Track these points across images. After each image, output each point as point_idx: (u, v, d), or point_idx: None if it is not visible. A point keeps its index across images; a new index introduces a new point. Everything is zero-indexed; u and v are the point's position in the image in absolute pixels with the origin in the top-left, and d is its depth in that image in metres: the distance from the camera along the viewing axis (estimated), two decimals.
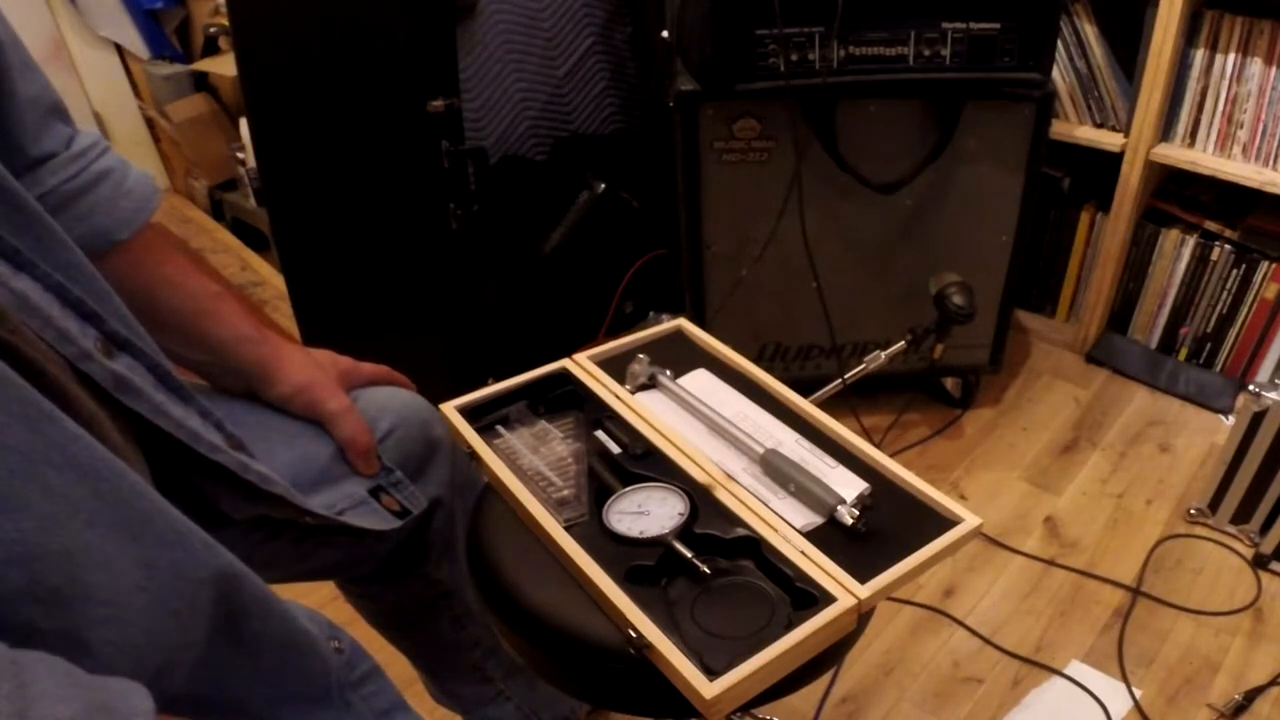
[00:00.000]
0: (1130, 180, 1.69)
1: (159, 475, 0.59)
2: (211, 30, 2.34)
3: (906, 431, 1.73)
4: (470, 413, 0.85)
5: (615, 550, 0.71)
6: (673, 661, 0.61)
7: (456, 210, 1.46)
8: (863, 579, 0.67)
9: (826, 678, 1.00)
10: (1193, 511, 1.51)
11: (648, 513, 0.74)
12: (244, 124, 2.31)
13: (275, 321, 2.06)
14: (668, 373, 0.90)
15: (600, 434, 0.83)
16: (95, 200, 0.68)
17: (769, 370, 0.91)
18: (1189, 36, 1.57)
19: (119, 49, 2.50)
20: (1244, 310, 1.71)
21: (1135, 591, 1.39)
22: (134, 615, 0.47)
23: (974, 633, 1.34)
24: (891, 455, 0.79)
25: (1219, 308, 1.74)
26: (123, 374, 0.57)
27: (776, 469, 0.77)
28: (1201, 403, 1.76)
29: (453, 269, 1.53)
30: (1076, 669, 1.28)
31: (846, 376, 1.35)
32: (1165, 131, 1.66)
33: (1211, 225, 1.72)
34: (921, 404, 1.78)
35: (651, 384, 0.90)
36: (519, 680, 1.02)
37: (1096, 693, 1.24)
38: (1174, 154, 1.64)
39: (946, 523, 0.73)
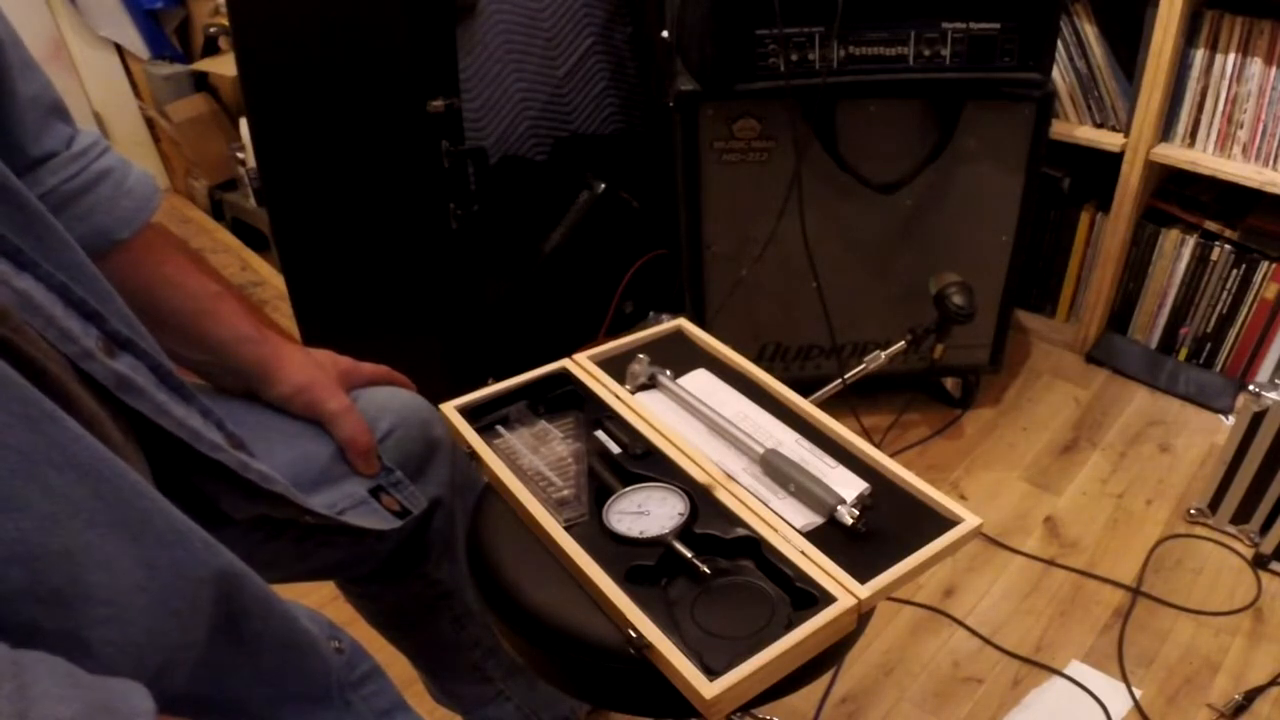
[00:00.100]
0: (1130, 180, 1.69)
1: (159, 475, 0.59)
2: (211, 30, 2.34)
3: (906, 431, 1.73)
4: (470, 413, 0.85)
5: (615, 550, 0.71)
6: (673, 661, 0.62)
7: (456, 210, 1.46)
8: (863, 579, 0.67)
9: (826, 678, 1.00)
10: (1193, 511, 1.51)
11: (648, 513, 0.74)
12: (244, 124, 2.31)
13: (275, 321, 2.06)
14: (668, 373, 0.90)
15: (600, 434, 0.83)
16: (96, 200, 0.68)
17: (769, 370, 0.91)
18: (1189, 36, 1.57)
19: (119, 49, 2.50)
20: (1244, 310, 1.71)
21: (1135, 591, 1.39)
22: (135, 615, 0.47)
23: (974, 633, 1.34)
24: (891, 455, 0.79)
25: (1219, 308, 1.74)
26: (124, 373, 0.57)
27: (776, 469, 0.77)
28: (1201, 403, 1.76)
29: (453, 269, 1.53)
30: (1076, 669, 1.28)
31: (846, 376, 1.35)
32: (1165, 131, 1.66)
33: (1211, 225, 1.72)
34: (921, 404, 1.78)
35: (651, 384, 0.90)
36: (519, 680, 1.02)
37: (1096, 693, 1.24)
38: (1174, 154, 1.64)
39: (946, 523, 0.73)
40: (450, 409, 0.85)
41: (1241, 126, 1.58)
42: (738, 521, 0.73)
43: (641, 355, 0.90)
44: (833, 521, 0.73)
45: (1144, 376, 1.83)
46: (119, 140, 2.58)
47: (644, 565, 0.70)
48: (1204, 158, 1.62)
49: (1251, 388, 1.34)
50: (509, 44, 1.66)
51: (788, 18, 1.30)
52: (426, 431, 0.84)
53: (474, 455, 0.81)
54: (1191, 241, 1.73)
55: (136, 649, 0.47)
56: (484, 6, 1.59)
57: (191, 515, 0.51)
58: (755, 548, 0.71)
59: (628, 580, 0.69)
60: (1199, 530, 1.49)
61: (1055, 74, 1.69)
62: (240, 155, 2.35)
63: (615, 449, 0.82)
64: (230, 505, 0.67)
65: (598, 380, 0.90)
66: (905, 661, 1.31)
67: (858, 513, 0.72)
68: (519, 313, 1.73)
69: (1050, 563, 1.45)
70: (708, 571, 0.69)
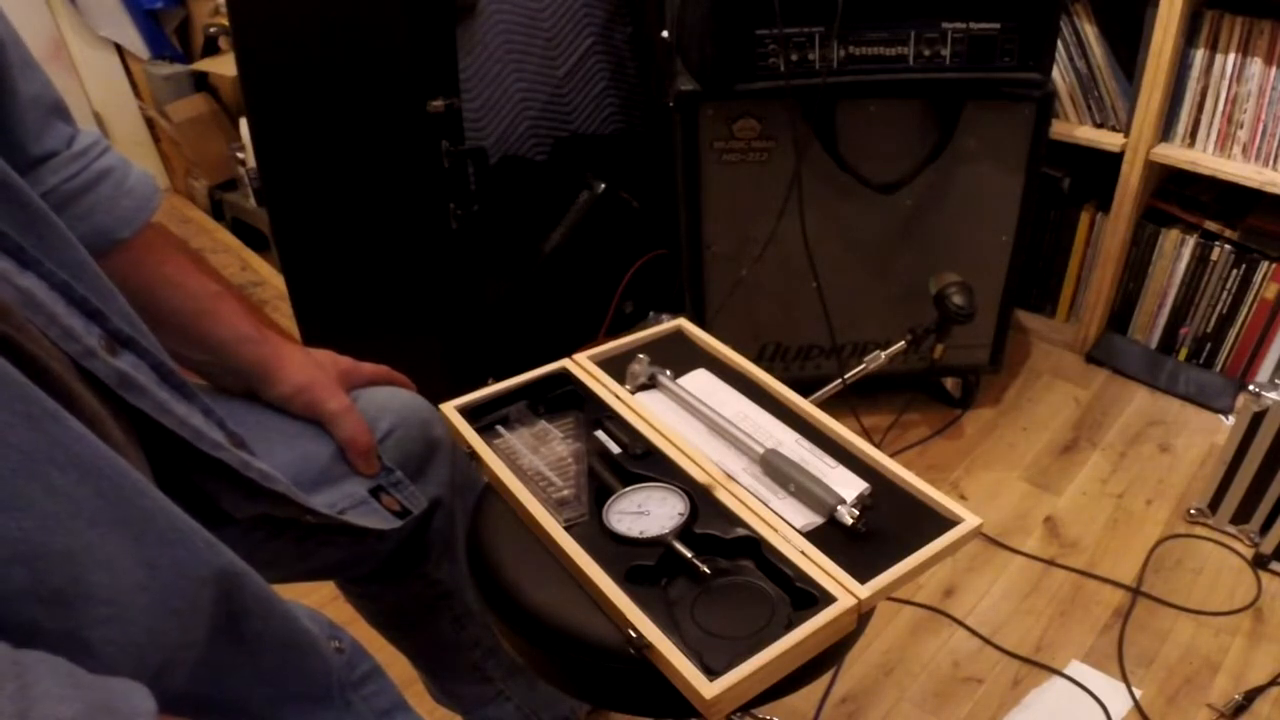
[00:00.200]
0: (1130, 180, 1.69)
1: (160, 474, 0.59)
2: (211, 30, 2.34)
3: (906, 431, 1.73)
4: (470, 413, 0.85)
5: (615, 550, 0.71)
6: (673, 661, 0.62)
7: (456, 210, 1.46)
8: (863, 579, 0.67)
9: (826, 678, 1.00)
10: (1193, 511, 1.51)
11: (648, 513, 0.74)
12: (244, 124, 2.31)
13: (275, 321, 2.06)
14: (668, 373, 0.90)
15: (600, 434, 0.83)
16: (96, 199, 0.68)
17: (769, 370, 0.91)
18: (1189, 36, 1.57)
19: (119, 49, 2.50)
20: (1244, 310, 1.71)
21: (1135, 591, 1.39)
22: (136, 614, 0.47)
23: (974, 633, 1.34)
24: (891, 455, 0.79)
25: (1219, 308, 1.74)
26: (126, 372, 0.57)
27: (776, 469, 0.77)
28: (1201, 403, 1.76)
29: (453, 269, 1.53)
30: (1076, 669, 1.28)
31: (846, 376, 1.35)
32: (1165, 131, 1.66)
33: (1211, 225, 1.72)
34: (921, 404, 1.78)
35: (651, 384, 0.90)
36: (519, 680, 1.02)
37: (1096, 693, 1.24)
38: (1174, 154, 1.64)
39: (946, 523, 0.73)
40: (450, 409, 0.85)
41: (1241, 126, 1.58)
42: (738, 521, 0.73)
43: (641, 355, 0.90)
44: (833, 521, 0.73)
45: (1144, 376, 1.83)
46: (119, 140, 2.58)
47: (644, 565, 0.70)
48: (1204, 158, 1.62)
49: (1251, 388, 1.34)
50: (509, 44, 1.66)
51: (788, 18, 1.30)
52: (426, 431, 0.84)
53: (474, 455, 0.81)
54: (1191, 241, 1.73)
55: (137, 648, 0.47)
56: (484, 6, 1.59)
57: (192, 514, 0.51)
58: (755, 548, 0.71)
59: (628, 580, 0.69)
60: (1199, 530, 1.49)
61: (1055, 74, 1.69)
62: (240, 155, 2.35)
63: (615, 449, 0.82)
64: (231, 504, 0.67)
65: (598, 380, 0.90)
66: (905, 661, 1.31)
67: (858, 513, 0.72)
68: (519, 313, 1.73)
69: (1050, 563, 1.45)
70: (708, 571, 0.69)
